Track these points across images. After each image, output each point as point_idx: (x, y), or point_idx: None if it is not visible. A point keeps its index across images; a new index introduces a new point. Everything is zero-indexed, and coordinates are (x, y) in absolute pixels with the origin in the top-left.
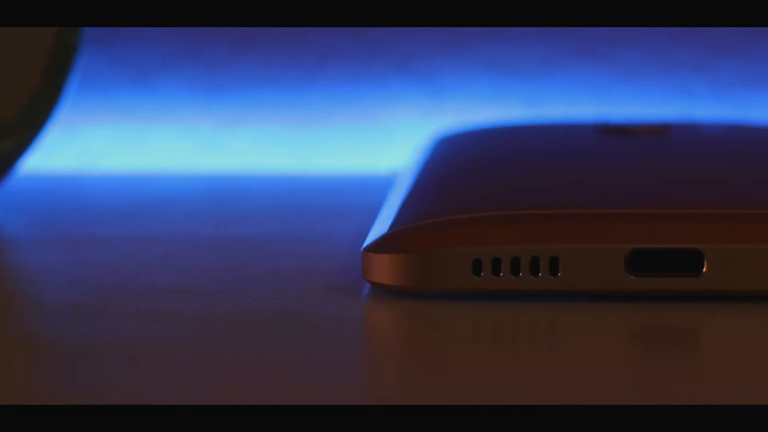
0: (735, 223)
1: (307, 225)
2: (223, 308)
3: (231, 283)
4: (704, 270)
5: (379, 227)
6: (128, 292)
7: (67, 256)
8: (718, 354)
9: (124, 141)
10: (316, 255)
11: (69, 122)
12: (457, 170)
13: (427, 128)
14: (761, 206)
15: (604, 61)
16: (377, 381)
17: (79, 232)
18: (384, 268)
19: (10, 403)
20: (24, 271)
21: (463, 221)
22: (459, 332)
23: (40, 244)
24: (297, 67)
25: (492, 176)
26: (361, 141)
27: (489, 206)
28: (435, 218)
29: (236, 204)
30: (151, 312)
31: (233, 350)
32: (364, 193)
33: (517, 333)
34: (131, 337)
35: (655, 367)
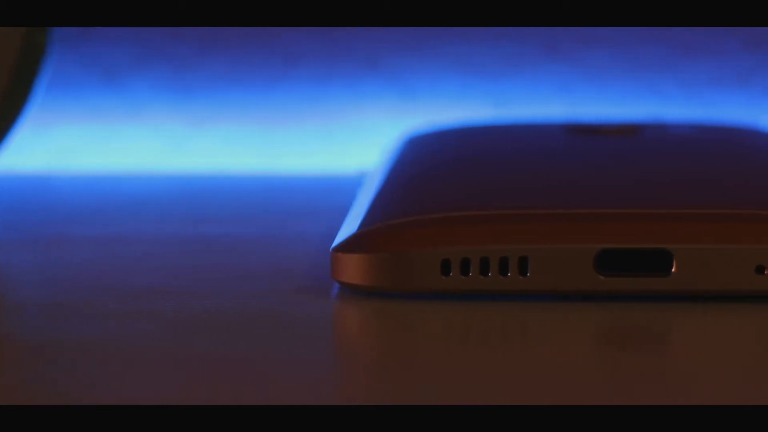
0: (704, 223)
1: (276, 225)
2: (192, 308)
3: (200, 283)
4: (673, 270)
5: (348, 227)
6: (99, 292)
7: (36, 256)
8: (687, 354)
9: (93, 141)
10: (286, 255)
11: (39, 122)
12: (426, 170)
13: (397, 128)
14: (730, 206)
15: (573, 60)
16: (347, 381)
17: (49, 231)
18: (353, 268)
19: None
20: None
21: (432, 221)
22: (428, 332)
23: (10, 244)
24: (266, 67)
25: (461, 176)
26: (330, 141)
27: (458, 206)
28: (404, 218)
29: (205, 204)
30: (121, 312)
31: (202, 350)
32: (334, 193)
33: (486, 333)
34: (103, 337)
35: (623, 366)
